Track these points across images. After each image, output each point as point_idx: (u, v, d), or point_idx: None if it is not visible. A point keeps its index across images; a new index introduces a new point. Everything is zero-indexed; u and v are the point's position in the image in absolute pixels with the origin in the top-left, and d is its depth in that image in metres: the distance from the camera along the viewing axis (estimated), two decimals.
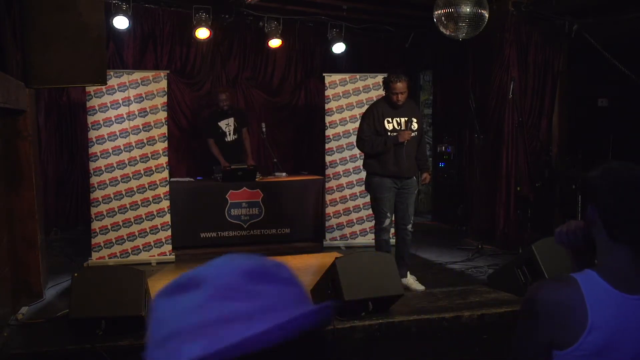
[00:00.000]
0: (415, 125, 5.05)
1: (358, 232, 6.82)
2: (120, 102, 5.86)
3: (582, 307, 1.42)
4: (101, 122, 5.80)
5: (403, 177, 5.01)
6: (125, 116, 5.86)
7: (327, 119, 6.79)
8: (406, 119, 5.03)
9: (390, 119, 5.02)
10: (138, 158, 5.90)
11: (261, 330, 0.66)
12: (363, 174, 5.51)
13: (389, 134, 4.99)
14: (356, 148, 5.52)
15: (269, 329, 0.66)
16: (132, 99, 5.88)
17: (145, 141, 5.92)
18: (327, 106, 6.81)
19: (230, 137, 7.23)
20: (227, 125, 7.20)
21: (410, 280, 5.02)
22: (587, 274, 1.47)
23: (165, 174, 6.00)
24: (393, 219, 5.14)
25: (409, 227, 5.07)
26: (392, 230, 5.38)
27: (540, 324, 1.47)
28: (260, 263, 0.74)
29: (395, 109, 5.02)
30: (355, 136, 5.38)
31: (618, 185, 1.44)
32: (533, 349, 1.52)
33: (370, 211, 5.59)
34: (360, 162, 6.04)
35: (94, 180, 5.81)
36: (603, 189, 1.46)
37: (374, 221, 5.29)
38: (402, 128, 5.01)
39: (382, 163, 5.00)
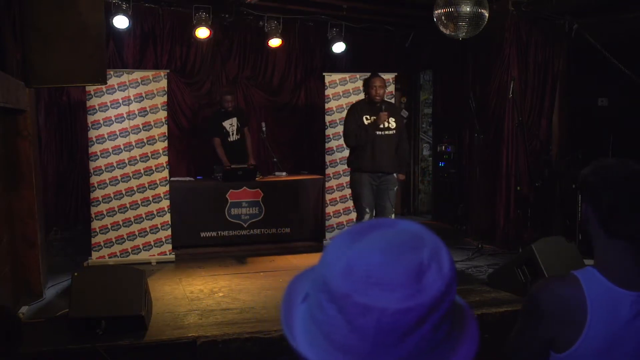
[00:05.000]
0: (393, 124, 5.36)
1: None
2: (120, 101, 5.86)
3: (583, 305, 1.41)
4: (101, 122, 5.80)
5: (380, 172, 5.24)
6: (125, 115, 5.86)
7: (327, 119, 6.80)
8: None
9: (368, 116, 5.39)
10: (138, 157, 5.90)
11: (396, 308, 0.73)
12: None
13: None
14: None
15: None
16: (132, 98, 5.88)
17: (145, 140, 5.92)
18: (327, 105, 6.81)
19: (233, 137, 7.22)
20: (230, 125, 7.20)
21: None
22: (587, 272, 1.46)
23: (165, 173, 6.00)
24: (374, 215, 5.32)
25: None
26: None
27: (543, 322, 1.47)
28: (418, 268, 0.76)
29: (374, 108, 5.34)
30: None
31: (611, 180, 1.43)
32: (532, 347, 1.51)
33: None
34: None
35: (94, 179, 5.81)
36: (596, 186, 1.45)
37: None
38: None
39: (360, 159, 5.32)
